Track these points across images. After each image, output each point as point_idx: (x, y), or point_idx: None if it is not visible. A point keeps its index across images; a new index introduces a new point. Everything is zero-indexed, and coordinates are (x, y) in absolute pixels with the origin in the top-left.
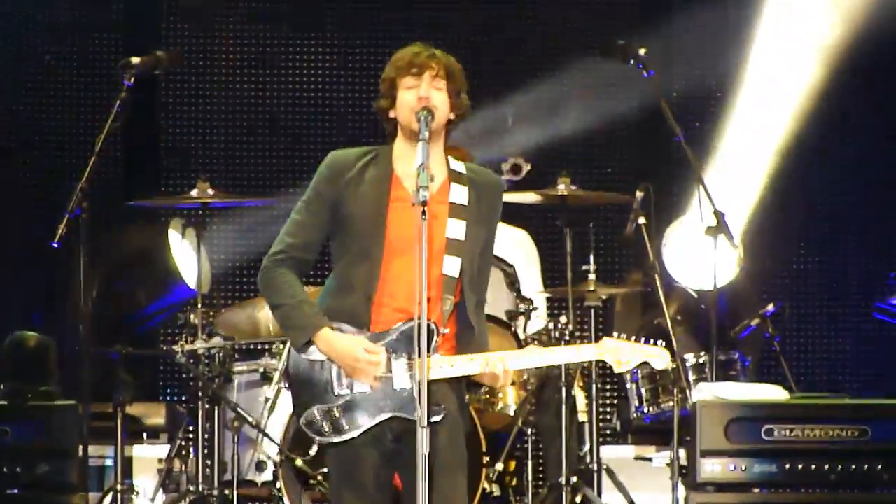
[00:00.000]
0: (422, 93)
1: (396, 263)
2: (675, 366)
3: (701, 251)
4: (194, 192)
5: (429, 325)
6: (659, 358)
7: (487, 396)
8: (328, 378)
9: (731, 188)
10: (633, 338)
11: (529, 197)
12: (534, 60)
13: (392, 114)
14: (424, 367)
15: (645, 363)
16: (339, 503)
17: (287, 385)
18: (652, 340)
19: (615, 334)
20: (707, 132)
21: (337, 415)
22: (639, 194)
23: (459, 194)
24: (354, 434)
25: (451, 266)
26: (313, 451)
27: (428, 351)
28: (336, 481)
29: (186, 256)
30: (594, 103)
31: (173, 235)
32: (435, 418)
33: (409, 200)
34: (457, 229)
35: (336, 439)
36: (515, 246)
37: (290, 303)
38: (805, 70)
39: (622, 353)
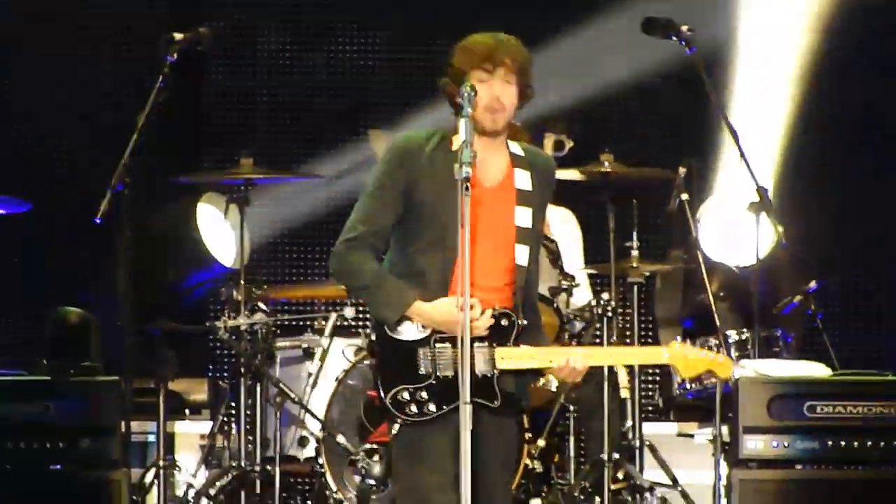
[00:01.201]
0: (495, 91)
1: (471, 250)
2: (717, 342)
3: (734, 228)
4: (237, 169)
5: (511, 316)
6: (724, 368)
7: None
8: (414, 359)
9: (768, 161)
10: (699, 344)
11: (573, 174)
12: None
13: (459, 101)
14: (467, 344)
15: (710, 371)
16: (411, 478)
17: (374, 363)
18: (716, 348)
19: (678, 338)
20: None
21: (423, 396)
22: (681, 170)
23: (524, 180)
24: (435, 415)
25: (522, 255)
26: (395, 429)
27: (510, 341)
28: (407, 459)
29: (220, 232)
30: (631, 59)
31: (204, 210)
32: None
33: (481, 186)
34: (525, 217)
35: (419, 419)
36: (560, 224)
37: (375, 282)
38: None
39: (689, 360)
